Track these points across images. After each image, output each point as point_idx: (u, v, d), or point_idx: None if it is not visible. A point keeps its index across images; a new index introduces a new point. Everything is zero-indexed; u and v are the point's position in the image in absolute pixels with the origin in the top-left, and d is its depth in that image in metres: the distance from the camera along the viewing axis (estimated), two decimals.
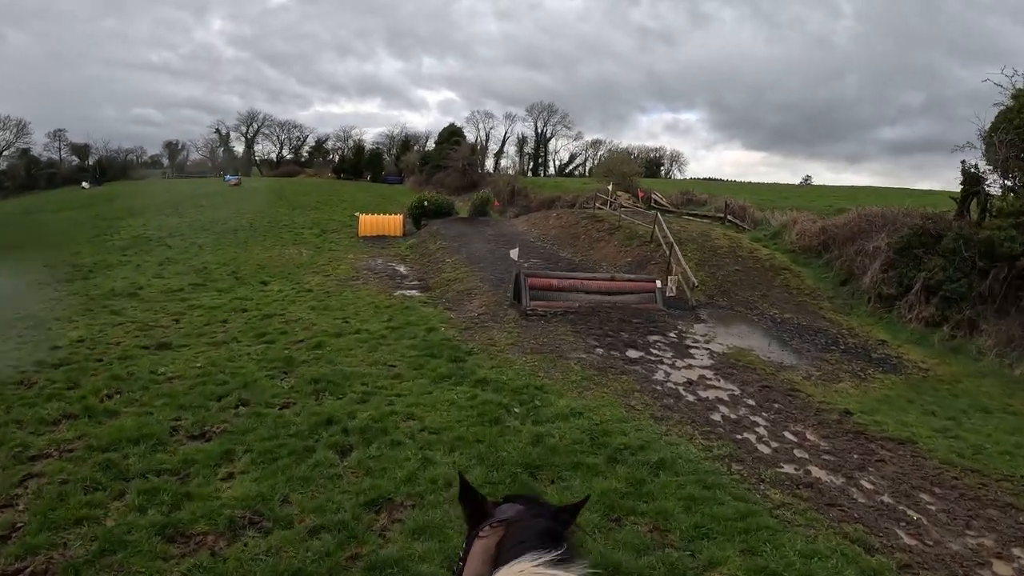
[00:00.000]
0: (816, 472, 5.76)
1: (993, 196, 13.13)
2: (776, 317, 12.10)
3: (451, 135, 52.62)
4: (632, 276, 12.74)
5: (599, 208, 22.73)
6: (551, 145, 78.75)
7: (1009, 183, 12.64)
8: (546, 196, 32.19)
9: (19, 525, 4.00)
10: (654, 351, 9.07)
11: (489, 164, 63.88)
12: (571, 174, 74.15)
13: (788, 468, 5.73)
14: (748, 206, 20.99)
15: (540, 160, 78.01)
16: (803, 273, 15.19)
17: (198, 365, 7.42)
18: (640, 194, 26.58)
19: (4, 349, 8.13)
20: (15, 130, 68.01)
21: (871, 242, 14.29)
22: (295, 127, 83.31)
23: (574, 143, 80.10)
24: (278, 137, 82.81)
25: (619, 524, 4.28)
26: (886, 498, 5.50)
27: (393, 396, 6.53)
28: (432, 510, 4.22)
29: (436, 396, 6.54)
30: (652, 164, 68.30)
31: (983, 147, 13.25)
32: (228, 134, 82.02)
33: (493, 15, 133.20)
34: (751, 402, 7.41)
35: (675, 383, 7.75)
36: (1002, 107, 12.71)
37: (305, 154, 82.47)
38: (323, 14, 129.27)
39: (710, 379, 8.06)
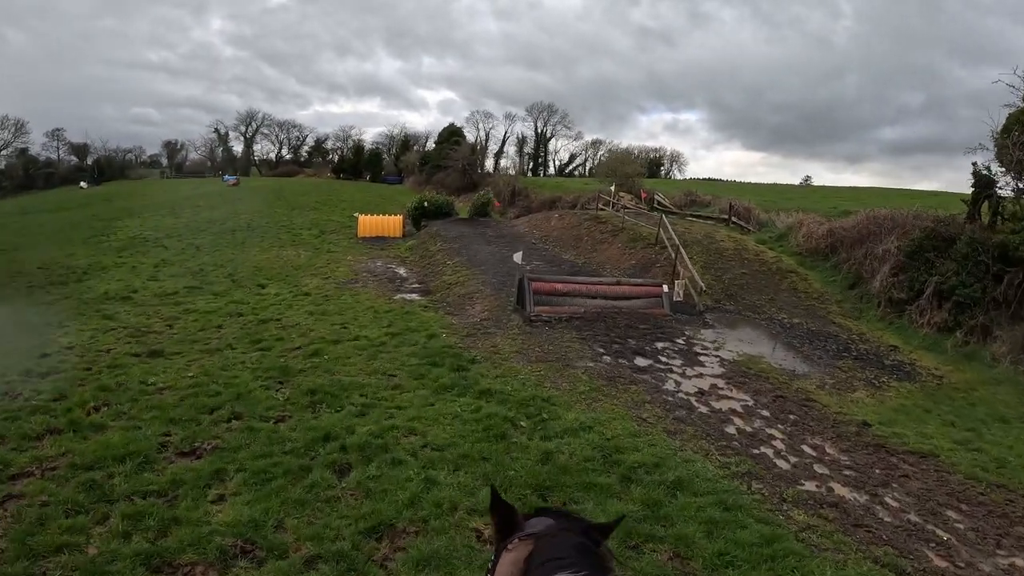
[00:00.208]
0: (839, 489, 5.49)
1: (1005, 199, 12.90)
2: (785, 322, 11.83)
3: (451, 135, 52.35)
4: (639, 280, 12.46)
5: (601, 209, 22.45)
6: (551, 145, 78.61)
7: (1022, 185, 12.38)
8: (547, 196, 31.91)
9: None
10: (663, 359, 8.79)
11: (489, 164, 63.65)
12: (571, 174, 73.92)
13: (810, 485, 5.47)
14: (753, 207, 20.73)
15: (540, 160, 77.80)
16: (810, 276, 14.93)
17: (190, 375, 7.12)
18: (643, 195, 26.31)
19: None
20: (13, 129, 67.87)
21: (880, 245, 14.03)
22: (294, 127, 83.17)
23: (574, 143, 79.93)
24: (277, 137, 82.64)
25: (637, 551, 4.00)
26: (913, 516, 5.26)
27: (393, 408, 6.23)
28: (437, 537, 3.93)
29: (438, 409, 6.25)
30: (653, 164, 68.04)
31: (995, 149, 13.02)
32: (227, 134, 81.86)
33: (492, 15, 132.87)
34: (766, 413, 7.14)
35: (686, 393, 7.48)
36: (1014, 108, 12.46)
37: (304, 154, 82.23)
38: (322, 13, 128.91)
39: (722, 389, 7.79)
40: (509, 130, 76.64)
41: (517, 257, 10.77)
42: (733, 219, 20.41)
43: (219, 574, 3.62)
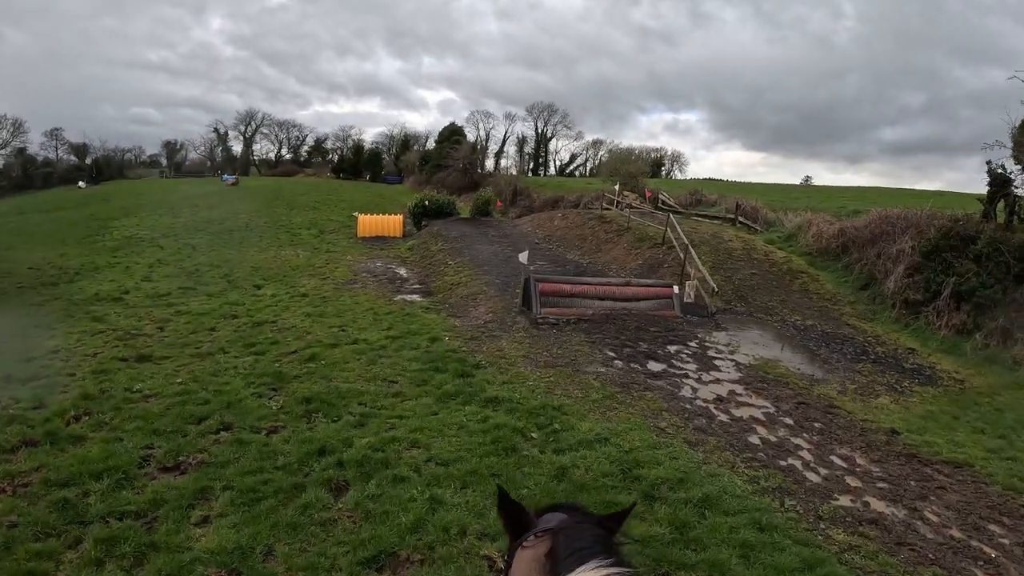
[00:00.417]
0: (875, 504, 5.10)
1: (1022, 198, 12.52)
2: (799, 324, 11.43)
3: (451, 134, 51.98)
4: (648, 281, 12.04)
5: (606, 208, 22.03)
6: (552, 145, 78.19)
7: None
8: (549, 196, 31.53)
9: None
10: (676, 363, 8.39)
11: (489, 164, 63.30)
12: (572, 174, 73.53)
13: (844, 500, 5.08)
14: (760, 207, 20.36)
15: (541, 160, 77.38)
16: (821, 277, 14.54)
17: (179, 381, 6.71)
18: (647, 194, 25.93)
19: None
20: (12, 129, 67.34)
21: (894, 245, 13.64)
22: (294, 126, 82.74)
23: (575, 143, 79.56)
24: (276, 137, 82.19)
25: None
26: (955, 532, 4.90)
27: (394, 418, 5.81)
28: (444, 567, 3.53)
29: (443, 418, 5.83)
30: (654, 164, 67.68)
31: (1012, 145, 12.64)
32: (226, 133, 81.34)
33: (493, 15, 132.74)
34: (789, 421, 6.74)
35: (704, 400, 7.07)
36: None
37: (304, 154, 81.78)
38: (322, 13, 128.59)
39: (741, 395, 7.38)
40: (509, 130, 76.34)
41: (522, 257, 10.35)
42: (740, 219, 20.02)
43: None
